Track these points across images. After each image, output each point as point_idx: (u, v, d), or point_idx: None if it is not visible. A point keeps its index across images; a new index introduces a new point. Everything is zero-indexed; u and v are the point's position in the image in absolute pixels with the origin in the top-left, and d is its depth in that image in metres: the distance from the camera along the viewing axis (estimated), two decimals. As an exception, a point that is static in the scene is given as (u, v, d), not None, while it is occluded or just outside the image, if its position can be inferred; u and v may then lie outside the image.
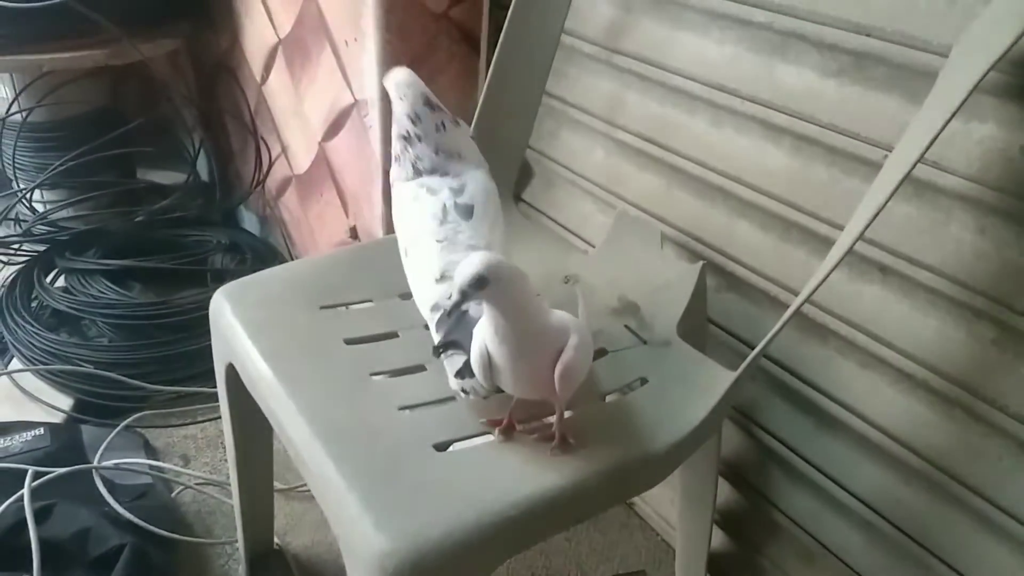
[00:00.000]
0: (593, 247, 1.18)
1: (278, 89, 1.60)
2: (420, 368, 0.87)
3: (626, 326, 0.96)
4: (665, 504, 1.23)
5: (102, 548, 1.08)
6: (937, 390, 0.83)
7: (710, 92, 0.99)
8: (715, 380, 0.83)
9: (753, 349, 0.76)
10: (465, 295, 0.66)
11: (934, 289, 0.81)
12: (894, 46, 0.79)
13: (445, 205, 0.85)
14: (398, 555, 0.64)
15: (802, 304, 0.74)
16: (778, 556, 1.06)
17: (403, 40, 1.20)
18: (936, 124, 0.64)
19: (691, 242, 1.07)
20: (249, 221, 2.00)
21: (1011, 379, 0.76)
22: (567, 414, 0.78)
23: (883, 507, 0.90)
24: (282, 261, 1.82)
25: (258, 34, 1.60)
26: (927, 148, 0.64)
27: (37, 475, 1.15)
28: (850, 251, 0.70)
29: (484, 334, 0.72)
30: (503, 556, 0.72)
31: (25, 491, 1.09)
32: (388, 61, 1.20)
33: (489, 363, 0.72)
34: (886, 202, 0.66)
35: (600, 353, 0.92)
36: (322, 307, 0.94)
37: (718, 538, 1.13)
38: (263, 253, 1.82)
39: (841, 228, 0.87)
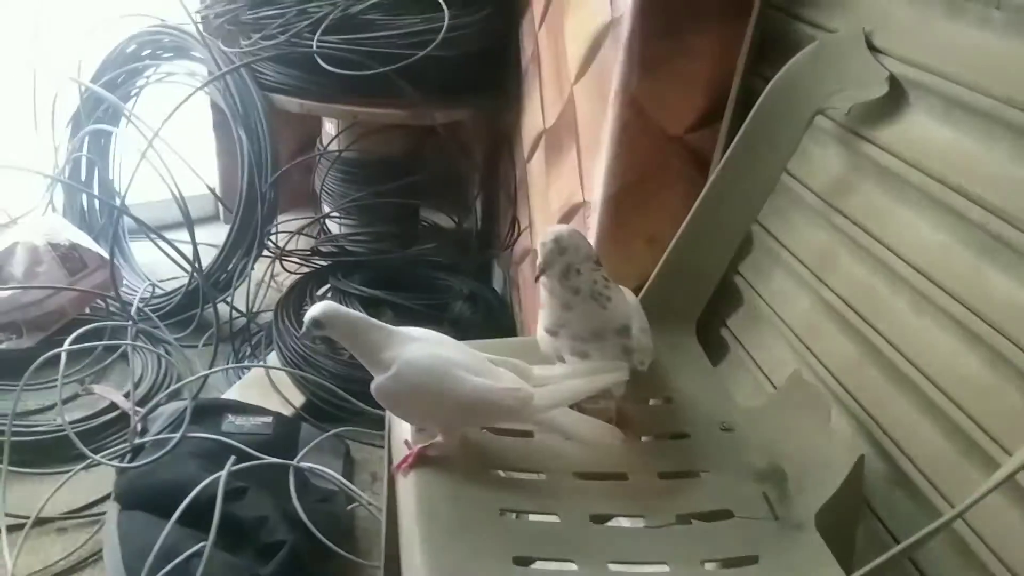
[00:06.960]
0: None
1: (536, 171, 1.73)
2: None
3: (764, 493, 0.92)
4: None
5: (271, 538, 1.25)
6: None
7: (916, 276, 0.91)
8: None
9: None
10: (308, 331, 0.86)
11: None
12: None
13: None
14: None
15: (951, 521, 0.67)
16: None
17: (632, 154, 1.25)
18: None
19: (870, 422, 0.98)
20: (497, 278, 2.17)
21: None
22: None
23: None
24: (509, 319, 1.96)
25: (532, 119, 1.75)
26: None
27: (239, 459, 1.37)
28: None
29: None
30: None
31: (223, 472, 1.30)
32: (615, 171, 1.26)
33: None
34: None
35: (724, 514, 0.89)
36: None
37: None
38: (496, 310, 1.97)
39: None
